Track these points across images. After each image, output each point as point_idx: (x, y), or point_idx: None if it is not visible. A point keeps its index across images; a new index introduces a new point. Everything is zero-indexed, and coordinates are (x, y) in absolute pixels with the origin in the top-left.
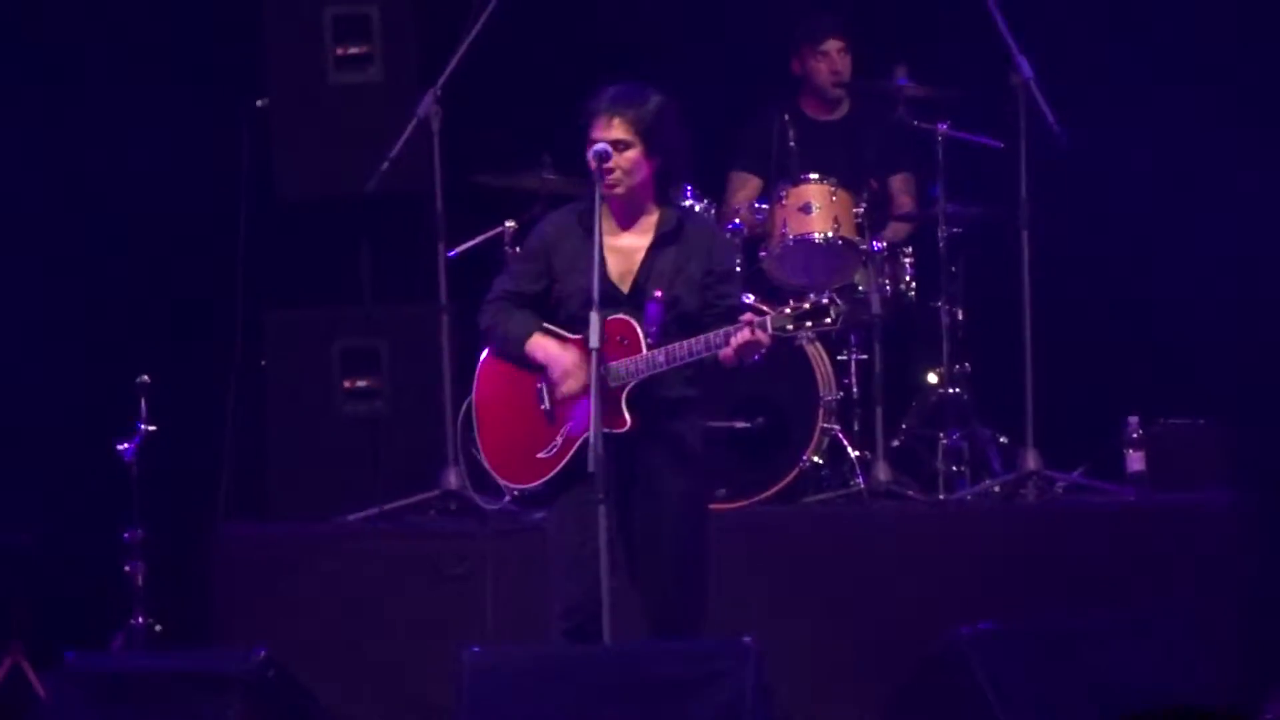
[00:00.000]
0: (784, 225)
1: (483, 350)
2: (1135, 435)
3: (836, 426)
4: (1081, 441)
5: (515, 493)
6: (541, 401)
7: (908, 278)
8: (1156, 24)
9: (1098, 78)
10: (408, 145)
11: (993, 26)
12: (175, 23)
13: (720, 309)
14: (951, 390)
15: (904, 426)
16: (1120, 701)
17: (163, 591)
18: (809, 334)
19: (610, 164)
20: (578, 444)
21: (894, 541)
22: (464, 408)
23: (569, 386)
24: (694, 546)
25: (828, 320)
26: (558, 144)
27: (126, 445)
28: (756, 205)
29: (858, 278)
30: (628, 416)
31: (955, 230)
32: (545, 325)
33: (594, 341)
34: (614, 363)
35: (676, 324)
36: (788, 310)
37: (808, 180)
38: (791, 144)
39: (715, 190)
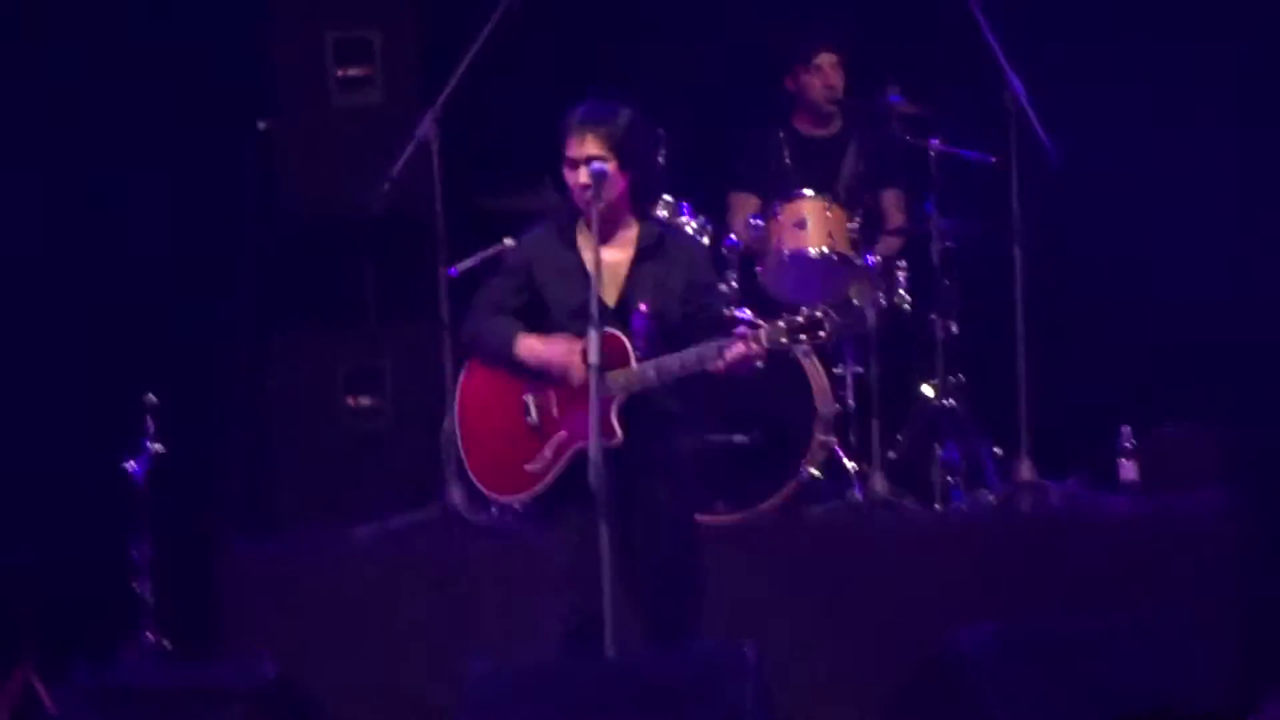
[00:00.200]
0: (779, 241)
1: (463, 368)
2: (1128, 444)
3: (834, 439)
4: (1076, 450)
5: (505, 506)
6: (528, 414)
7: (902, 291)
8: (1143, 33)
9: (1086, 87)
10: (409, 166)
11: (983, 42)
12: (178, 46)
13: (703, 319)
14: (946, 402)
15: (900, 438)
16: (1119, 703)
17: (171, 608)
18: (803, 347)
19: (589, 179)
20: (567, 456)
21: (891, 551)
22: (445, 426)
23: (576, 376)
24: (686, 556)
25: (822, 333)
26: (557, 164)
27: (134, 463)
28: (752, 222)
29: (852, 292)
30: (619, 430)
31: (948, 244)
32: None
33: (593, 357)
34: (608, 375)
35: (661, 336)
36: (782, 323)
37: (802, 196)
38: (786, 161)
39: (712, 209)
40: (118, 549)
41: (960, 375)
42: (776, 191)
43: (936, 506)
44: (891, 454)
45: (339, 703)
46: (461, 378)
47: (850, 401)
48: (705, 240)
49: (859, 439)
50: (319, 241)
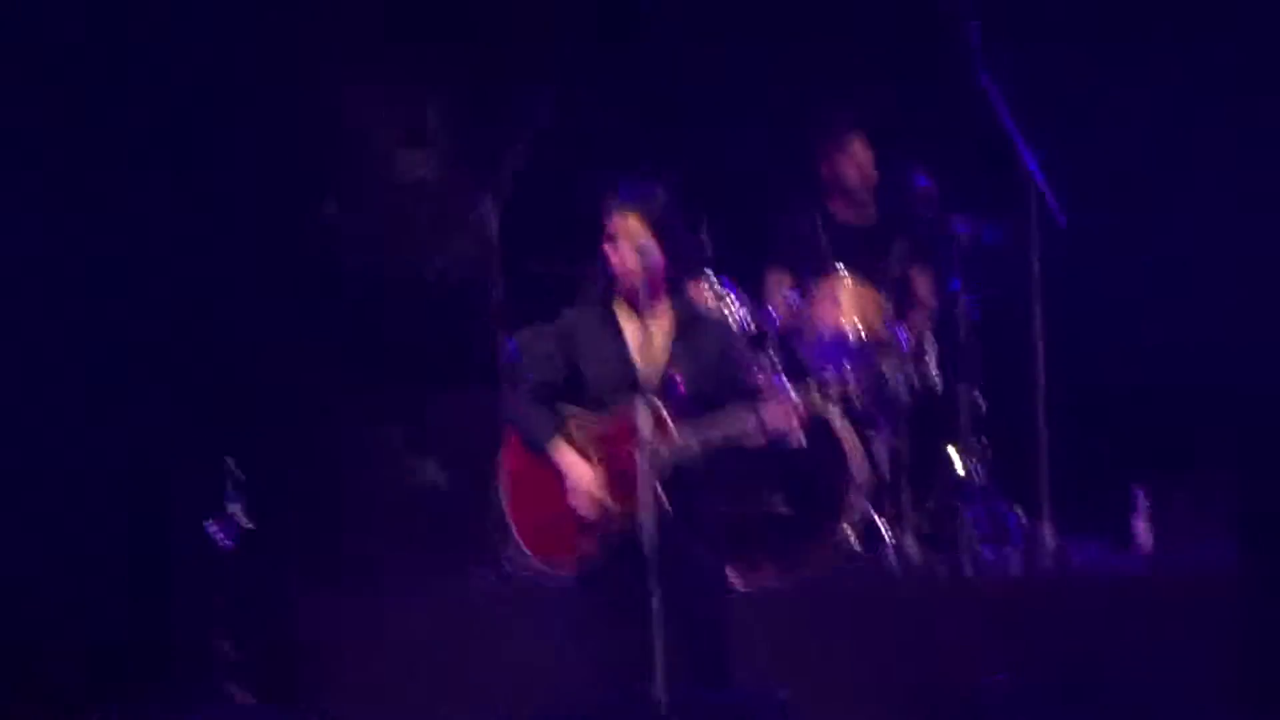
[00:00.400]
0: (815, 316)
1: (505, 439)
2: (1143, 506)
3: (867, 504)
4: (1095, 510)
5: (553, 568)
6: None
7: (930, 364)
8: (1158, 108)
9: (1099, 161)
10: (467, 238)
11: (999, 119)
12: (257, 128)
13: (733, 391)
14: (973, 468)
15: (929, 503)
16: None
17: (249, 663)
18: (837, 411)
19: (629, 254)
20: (617, 523)
21: (922, 608)
22: (493, 490)
23: (581, 507)
24: (724, 613)
25: (854, 398)
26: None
27: (215, 524)
28: (791, 299)
29: (885, 365)
30: (664, 499)
31: (973, 319)
32: (571, 409)
33: (645, 432)
34: (656, 451)
35: (697, 407)
36: (816, 389)
37: (837, 274)
38: (822, 241)
39: (751, 285)
40: (200, 605)
41: (985, 442)
42: (812, 269)
43: (964, 566)
44: (921, 517)
45: None
46: (504, 450)
47: (883, 468)
48: (745, 315)
49: (891, 503)
50: (382, 310)
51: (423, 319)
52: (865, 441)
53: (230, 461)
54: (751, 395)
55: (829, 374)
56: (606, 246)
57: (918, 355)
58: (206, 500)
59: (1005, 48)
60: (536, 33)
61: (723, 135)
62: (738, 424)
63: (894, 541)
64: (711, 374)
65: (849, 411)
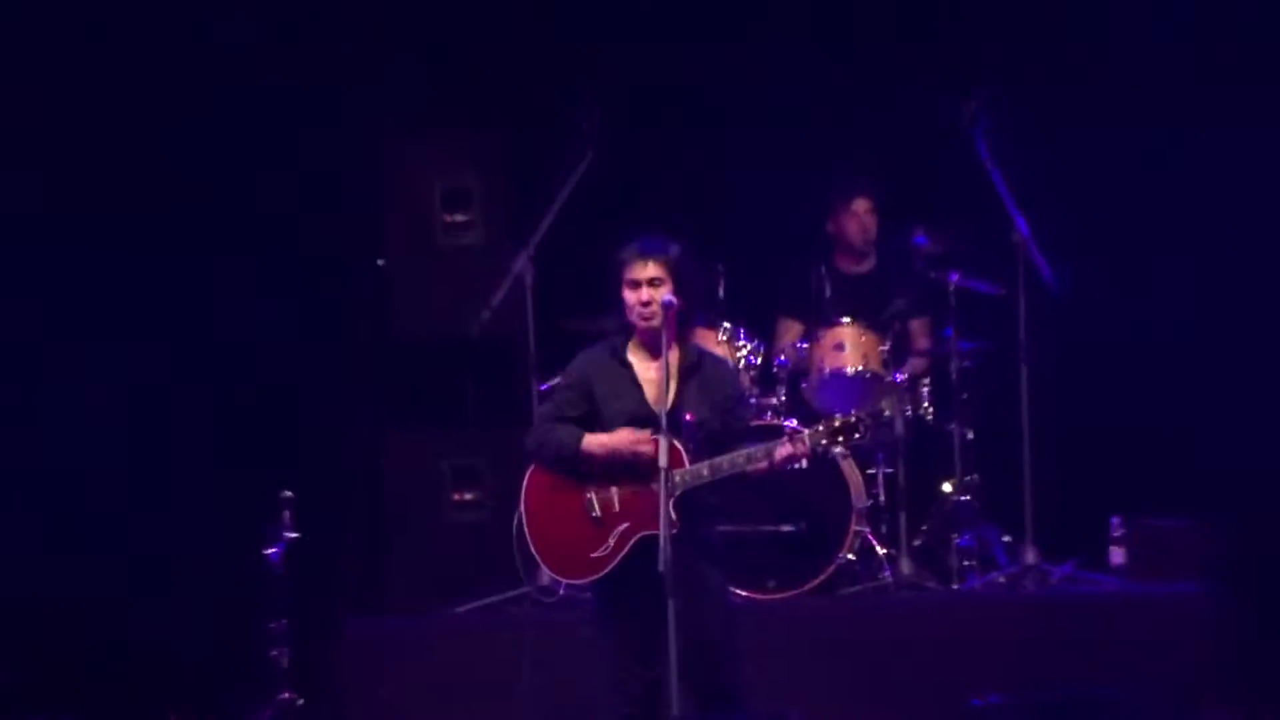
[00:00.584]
0: (821, 361)
1: (527, 472)
2: (1118, 533)
3: (867, 529)
4: (1073, 537)
5: (573, 586)
6: (591, 510)
7: (926, 404)
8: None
9: (1081, 225)
10: (505, 296)
11: (993, 188)
12: (312, 197)
13: (736, 428)
14: (963, 497)
15: (924, 528)
16: None
17: (302, 674)
18: (841, 449)
19: (648, 298)
20: (631, 543)
21: (917, 625)
22: (515, 521)
23: (645, 447)
24: (732, 631)
25: (857, 435)
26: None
27: (273, 550)
28: (799, 345)
29: (884, 405)
30: (676, 519)
31: (965, 364)
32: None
33: (663, 461)
34: (675, 471)
35: (703, 441)
36: (822, 428)
37: (841, 323)
38: (827, 293)
39: (763, 332)
40: (258, 623)
41: (975, 475)
42: (818, 319)
43: (955, 586)
44: (916, 542)
45: None
46: (526, 480)
47: (881, 497)
48: (758, 360)
49: (889, 529)
50: (428, 360)
51: (466, 367)
52: (865, 472)
53: (287, 494)
54: (748, 434)
55: (834, 412)
56: (627, 291)
57: (914, 395)
58: (267, 528)
59: (1001, 124)
60: (572, 102)
61: (738, 199)
62: (747, 457)
63: (890, 562)
64: (718, 412)
65: (850, 445)
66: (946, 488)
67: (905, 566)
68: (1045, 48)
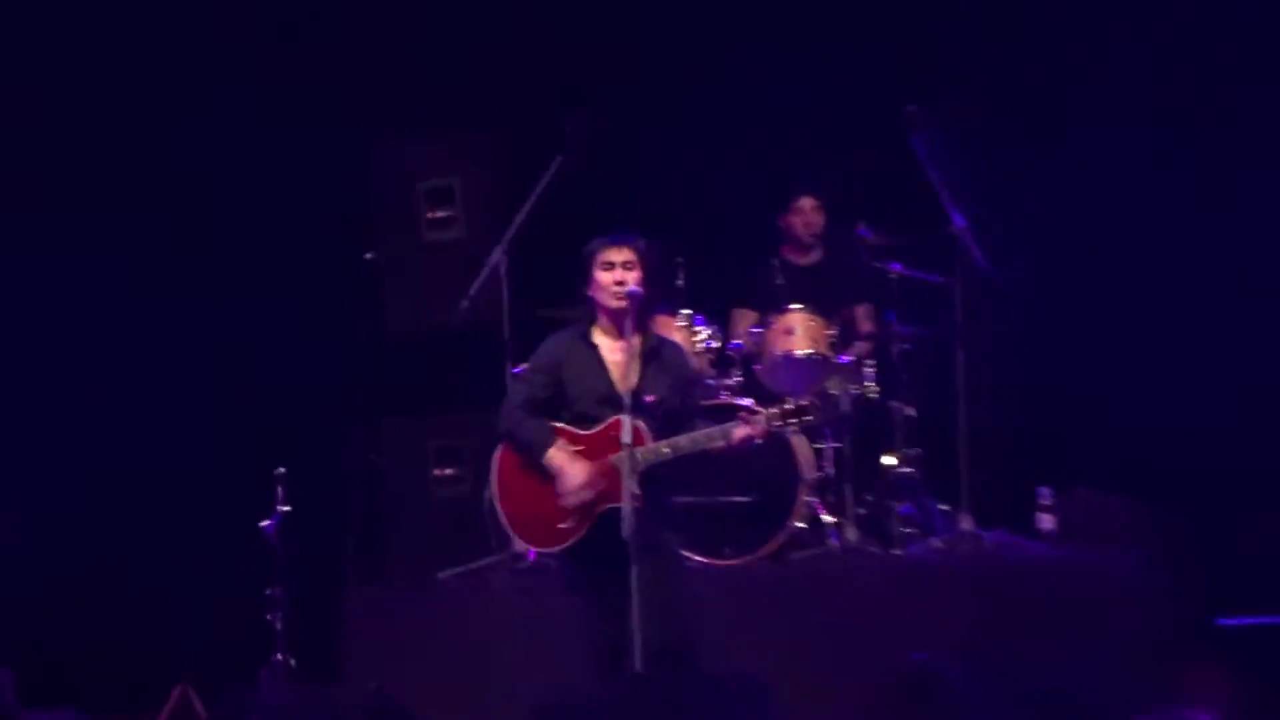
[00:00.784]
0: (774, 345)
1: (498, 446)
2: (1046, 502)
3: (816, 499)
4: (1005, 506)
5: (543, 554)
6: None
7: (870, 384)
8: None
9: (1014, 219)
10: (483, 287)
11: (931, 185)
12: (303, 197)
13: (691, 408)
14: (904, 469)
15: (868, 498)
16: (1048, 711)
17: (298, 639)
18: (795, 427)
19: (622, 278)
20: (595, 515)
21: (862, 588)
22: (486, 497)
23: (569, 501)
24: (686, 590)
25: (809, 416)
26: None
27: (268, 523)
28: (753, 330)
29: (831, 384)
30: (640, 492)
31: (906, 347)
32: (557, 425)
33: (626, 438)
34: (638, 449)
35: (662, 420)
36: (776, 410)
37: (791, 310)
38: (779, 283)
39: (720, 319)
40: (258, 591)
41: (916, 449)
42: (771, 306)
43: (896, 552)
44: (861, 511)
45: (431, 712)
46: (497, 454)
47: (829, 469)
48: (715, 345)
49: (836, 499)
50: (414, 347)
51: (448, 354)
52: (814, 447)
53: (281, 470)
54: (701, 414)
55: (784, 394)
56: (601, 272)
57: (859, 376)
58: (261, 504)
59: (939, 124)
60: (549, 110)
61: (696, 196)
62: (706, 436)
63: (836, 530)
64: (676, 393)
65: (801, 423)
66: (889, 461)
67: (851, 534)
68: (997, 49)
